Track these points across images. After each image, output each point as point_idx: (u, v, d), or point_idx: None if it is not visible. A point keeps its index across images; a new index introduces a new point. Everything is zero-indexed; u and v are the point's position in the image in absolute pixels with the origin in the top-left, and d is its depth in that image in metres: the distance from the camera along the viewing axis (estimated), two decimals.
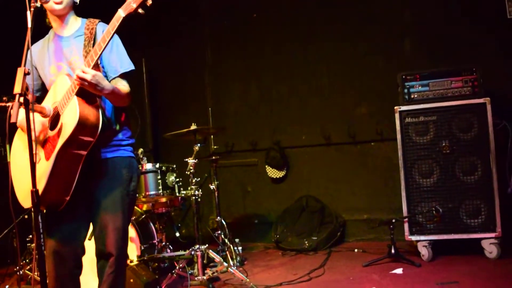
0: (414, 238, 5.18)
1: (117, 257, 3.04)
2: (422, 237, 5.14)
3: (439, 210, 5.07)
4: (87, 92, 2.80)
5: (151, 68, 7.52)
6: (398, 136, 5.25)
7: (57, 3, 3.02)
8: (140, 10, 2.64)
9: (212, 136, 6.67)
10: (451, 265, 4.88)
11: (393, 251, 5.08)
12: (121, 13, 2.66)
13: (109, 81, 3.00)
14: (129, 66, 3.10)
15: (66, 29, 3.16)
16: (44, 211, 3.02)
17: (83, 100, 2.81)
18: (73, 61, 3.07)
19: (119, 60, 3.09)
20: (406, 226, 5.19)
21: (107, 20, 2.89)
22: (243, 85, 7.40)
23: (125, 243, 3.13)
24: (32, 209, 2.54)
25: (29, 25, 2.64)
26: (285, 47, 7.07)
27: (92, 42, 3.00)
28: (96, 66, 2.80)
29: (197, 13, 7.56)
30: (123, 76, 3.09)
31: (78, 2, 3.16)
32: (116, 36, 2.94)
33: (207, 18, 7.60)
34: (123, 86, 3.01)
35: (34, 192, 2.49)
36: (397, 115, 5.24)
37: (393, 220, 5.11)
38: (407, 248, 5.56)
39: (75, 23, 3.18)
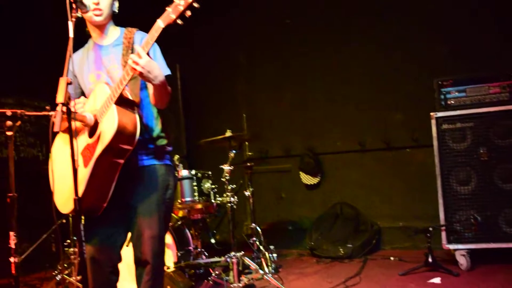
0: (451, 246, 5.10)
1: (154, 265, 3.05)
2: (460, 246, 5.06)
3: (477, 218, 5.00)
4: (125, 100, 2.84)
5: (185, 74, 7.59)
6: (435, 143, 5.18)
7: (97, 15, 3.07)
8: (179, 21, 2.65)
9: (246, 143, 6.67)
10: (490, 275, 4.79)
11: (430, 259, 5.01)
12: (160, 24, 2.68)
13: (146, 87, 3.04)
14: (165, 71, 3.12)
15: (105, 38, 3.21)
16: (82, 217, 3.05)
17: (122, 108, 2.84)
18: (111, 69, 3.11)
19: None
20: (443, 234, 5.11)
21: (145, 29, 2.92)
22: (277, 91, 7.41)
23: (161, 251, 3.14)
24: (74, 216, 2.57)
25: (71, 35, 2.67)
26: (319, 53, 7.06)
27: (130, 51, 3.03)
28: (134, 76, 2.83)
29: (230, 19, 7.59)
30: None
31: (117, 11, 3.20)
32: (155, 44, 2.97)
33: (241, 24, 7.63)
34: None
35: (77, 200, 2.51)
36: (433, 122, 5.18)
37: (430, 228, 5.04)
38: (445, 256, 5.47)
39: (114, 32, 3.22)
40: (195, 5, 2.60)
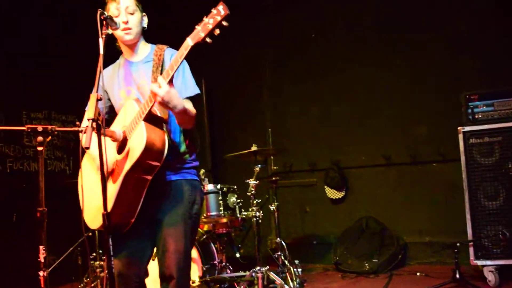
0: (479, 262, 5.03)
1: (179, 280, 3.02)
2: (488, 262, 4.98)
3: (506, 234, 4.92)
4: (154, 117, 2.86)
5: (210, 88, 7.63)
6: (462, 158, 5.13)
7: (127, 34, 3.12)
8: (208, 39, 2.67)
9: (272, 157, 6.67)
10: None
11: (457, 275, 4.95)
12: (189, 42, 2.70)
13: None
14: (194, 90, 3.14)
15: (135, 55, 3.24)
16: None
17: (150, 125, 2.86)
18: (142, 85, 3.15)
19: (185, 84, 3.13)
20: (471, 250, 5.04)
21: (175, 45, 2.95)
22: (302, 105, 7.41)
23: (187, 266, 3.12)
24: (102, 231, 2.59)
25: (101, 51, 2.71)
26: (344, 67, 7.06)
27: (160, 68, 3.06)
28: (170, 83, 2.85)
29: (256, 33, 7.63)
30: (189, 99, 3.13)
31: (146, 27, 3.24)
32: (184, 61, 3.00)
33: (267, 38, 7.66)
34: (191, 108, 3.05)
35: (106, 215, 2.53)
36: (460, 136, 5.14)
37: (458, 244, 4.97)
38: (472, 272, 5.40)
39: (145, 49, 3.26)
40: (224, 23, 2.62)
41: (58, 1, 7.02)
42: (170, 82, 2.80)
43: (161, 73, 2.96)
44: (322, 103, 7.24)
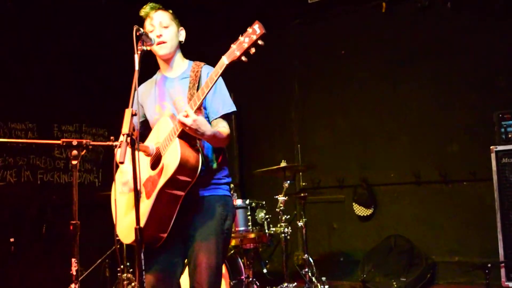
0: (511, 284, 4.94)
1: None
2: None
3: None
4: (188, 134, 2.88)
5: (238, 102, 7.60)
6: (494, 177, 5.08)
7: (161, 48, 3.16)
8: (243, 58, 2.70)
9: (300, 173, 6.65)
10: None
11: None
12: (224, 61, 2.73)
13: (210, 122, 3.08)
14: (230, 108, 3.16)
15: (172, 70, 3.28)
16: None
17: (185, 142, 2.89)
18: (177, 101, 3.17)
19: (222, 102, 3.15)
20: (503, 271, 4.98)
21: (210, 61, 2.98)
22: (331, 121, 7.39)
23: (218, 282, 3.11)
24: (135, 246, 2.61)
25: (136, 67, 2.74)
26: (374, 83, 7.04)
27: (196, 84, 3.09)
28: (198, 109, 2.88)
29: (285, 48, 7.64)
30: (224, 117, 3.15)
31: (183, 41, 3.26)
32: (220, 79, 3.02)
33: (295, 53, 7.68)
34: (223, 128, 3.06)
35: (138, 230, 2.55)
36: (493, 155, 5.09)
37: (489, 265, 4.90)
38: None
39: (182, 64, 3.29)
40: (260, 42, 2.65)
41: (93, 18, 7.13)
42: (199, 108, 2.85)
43: (197, 90, 2.98)
44: (351, 118, 7.22)
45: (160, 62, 3.29)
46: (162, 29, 3.14)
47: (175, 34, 3.20)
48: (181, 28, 3.26)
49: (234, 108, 3.18)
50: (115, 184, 3.06)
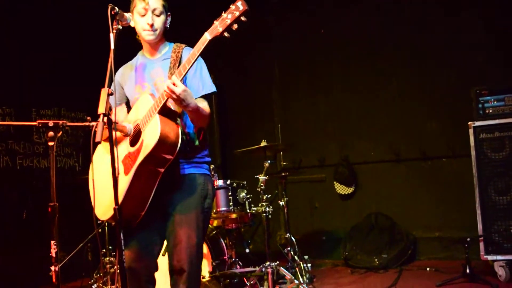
0: (490, 257, 5.01)
1: (190, 274, 3.02)
2: (499, 257, 4.97)
3: None
4: (168, 111, 2.87)
5: (219, 84, 7.56)
6: (473, 153, 5.11)
7: (150, 35, 3.14)
8: (226, 34, 2.70)
9: (281, 152, 6.66)
10: None
11: (468, 270, 4.93)
12: (207, 36, 2.72)
13: None
14: (211, 88, 3.15)
15: (154, 52, 3.27)
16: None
17: (165, 118, 2.88)
18: (158, 82, 3.17)
19: (202, 82, 3.15)
20: (481, 245, 5.03)
21: (193, 43, 2.97)
22: (311, 101, 7.41)
23: (198, 260, 3.11)
24: (113, 225, 2.60)
25: (112, 46, 2.71)
26: (353, 62, 7.05)
27: (177, 65, 3.08)
28: None
29: (265, 30, 7.61)
30: (205, 97, 3.15)
31: (168, 27, 3.24)
32: (200, 59, 3.01)
33: (275, 35, 7.66)
34: (204, 107, 3.06)
35: (117, 209, 2.54)
36: (471, 131, 5.12)
37: (468, 239, 4.96)
38: (483, 268, 5.38)
39: (163, 46, 3.28)
40: (243, 19, 2.65)
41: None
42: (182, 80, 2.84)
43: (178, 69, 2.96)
44: (331, 98, 7.24)
45: (144, 44, 3.26)
46: (154, 17, 3.11)
47: (164, 21, 3.19)
48: (169, 14, 3.24)
49: (214, 89, 3.18)
50: (92, 165, 3.04)
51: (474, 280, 4.93)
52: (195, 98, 3.07)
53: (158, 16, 3.13)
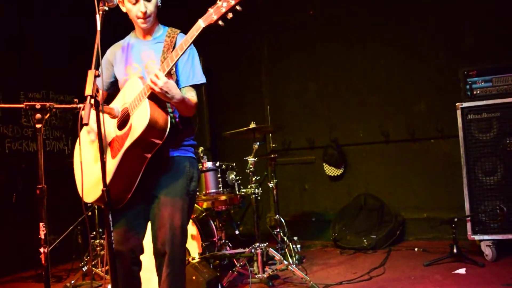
0: (477, 237, 5.07)
1: (174, 256, 3.04)
2: (486, 237, 5.03)
3: (504, 209, 4.95)
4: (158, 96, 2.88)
5: (208, 66, 7.59)
6: (460, 134, 5.14)
7: (144, 23, 3.14)
8: (220, 22, 2.70)
9: (270, 134, 6.67)
10: None
11: (455, 250, 5.00)
12: (201, 24, 2.72)
13: (180, 89, 3.06)
14: (200, 79, 3.15)
15: (147, 34, 3.26)
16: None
17: (154, 103, 2.88)
18: (149, 64, 3.16)
19: (193, 71, 3.15)
20: (468, 225, 5.08)
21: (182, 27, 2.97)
22: (300, 83, 7.40)
23: (182, 243, 3.12)
24: (102, 208, 2.61)
25: (98, 28, 2.70)
26: (343, 44, 7.05)
27: (171, 49, 3.06)
28: (169, 74, 2.88)
29: (254, 11, 7.57)
30: (194, 87, 3.15)
31: (160, 5, 3.21)
32: (193, 47, 3.01)
33: (264, 16, 7.63)
34: (192, 97, 3.07)
35: (106, 191, 2.54)
36: (459, 112, 5.14)
37: (455, 219, 5.01)
38: (470, 247, 5.45)
39: (157, 29, 3.26)
40: (238, 8, 2.65)
41: None
42: (169, 73, 2.87)
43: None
44: (320, 80, 7.24)
45: (137, 26, 3.24)
46: (146, 3, 3.09)
47: (156, 3, 3.16)
48: None
49: (204, 80, 3.18)
50: (80, 146, 3.03)
51: (461, 259, 4.99)
52: (184, 87, 3.08)
53: (149, 1, 3.11)
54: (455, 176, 5.58)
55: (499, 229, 4.99)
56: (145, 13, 3.08)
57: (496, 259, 4.97)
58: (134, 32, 3.32)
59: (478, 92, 5.18)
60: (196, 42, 2.84)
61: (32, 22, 6.71)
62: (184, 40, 2.78)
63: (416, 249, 5.88)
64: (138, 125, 2.83)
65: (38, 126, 2.72)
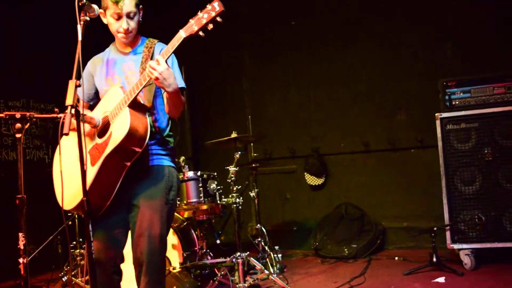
0: (456, 246, 5.12)
1: (153, 265, 3.04)
2: (465, 246, 5.08)
3: (482, 218, 5.01)
4: (138, 104, 2.90)
5: (190, 75, 7.61)
6: (439, 143, 5.20)
7: (125, 38, 3.17)
8: (200, 33, 2.75)
9: (252, 144, 6.69)
10: (495, 274, 4.81)
11: (434, 259, 5.03)
12: (182, 34, 2.76)
13: (162, 95, 3.11)
14: (180, 83, 3.17)
15: (126, 46, 3.28)
16: (83, 216, 3.05)
17: (134, 111, 2.90)
18: (129, 75, 3.19)
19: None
20: (448, 234, 5.13)
21: (163, 38, 2.99)
22: (282, 92, 7.43)
23: (162, 252, 3.12)
24: (82, 217, 2.60)
25: (79, 38, 2.72)
26: (324, 54, 7.08)
27: (149, 59, 3.10)
28: (150, 83, 2.90)
29: (236, 20, 7.59)
30: None
31: (141, 20, 3.23)
32: (173, 55, 3.02)
33: (246, 25, 7.65)
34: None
35: (86, 201, 2.54)
36: (438, 122, 5.20)
37: (435, 228, 5.05)
38: (449, 256, 5.50)
39: (136, 40, 3.29)
40: (218, 19, 2.70)
41: None
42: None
43: None
44: (302, 90, 7.27)
45: (117, 39, 3.26)
46: (128, 21, 3.11)
47: (138, 20, 3.19)
48: (141, 7, 3.21)
49: (183, 85, 3.20)
50: (60, 155, 3.02)
51: (440, 268, 5.03)
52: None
53: (132, 18, 3.13)
54: (434, 186, 5.62)
55: (477, 238, 5.04)
56: (127, 29, 3.11)
57: (475, 267, 5.01)
58: (114, 44, 3.34)
59: (457, 102, 5.24)
60: (177, 51, 2.86)
61: (12, 30, 6.67)
62: (165, 50, 2.82)
63: (396, 258, 5.91)
64: (118, 133, 2.83)
65: (18, 135, 2.72)
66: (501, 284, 4.45)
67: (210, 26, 2.72)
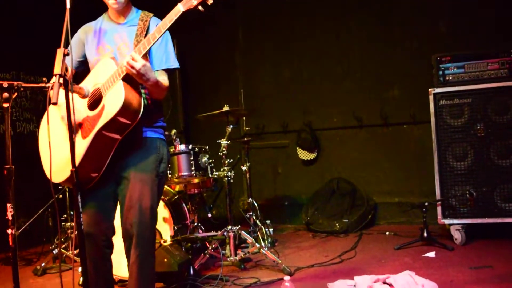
0: (447, 221, 5.14)
1: (144, 238, 3.02)
2: (455, 221, 5.09)
3: (473, 194, 5.02)
4: (132, 77, 2.85)
5: (182, 49, 7.52)
6: (432, 119, 5.18)
7: (115, 4, 3.11)
8: (200, 8, 2.68)
9: (244, 118, 6.66)
10: (484, 249, 4.84)
11: (425, 234, 5.05)
12: (180, 8, 2.70)
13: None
14: (173, 63, 3.15)
15: (120, 17, 3.23)
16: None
17: (128, 85, 2.87)
18: (121, 46, 3.14)
19: (166, 55, 3.14)
20: (439, 209, 5.14)
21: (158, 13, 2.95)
22: (275, 67, 7.38)
23: (152, 224, 3.10)
24: (71, 189, 2.58)
25: (67, 6, 2.66)
26: (317, 28, 7.03)
27: (144, 33, 3.06)
28: (145, 56, 2.86)
29: None
30: (166, 71, 3.15)
31: None
32: (167, 32, 2.97)
33: (239, 0, 7.57)
34: (163, 80, 3.07)
35: (75, 172, 2.50)
36: (431, 97, 5.18)
37: (426, 204, 5.06)
38: (440, 231, 5.53)
39: (130, 12, 3.24)
40: None
41: None
42: (145, 55, 2.84)
43: (145, 37, 2.91)
44: (294, 64, 7.23)
45: (110, 8, 3.21)
46: None
47: None
48: None
49: (177, 65, 3.18)
50: (44, 125, 2.98)
51: (431, 243, 5.06)
52: (157, 70, 3.06)
53: None
54: (426, 161, 5.62)
55: (468, 214, 5.06)
56: None
57: (465, 243, 5.04)
58: (107, 13, 3.28)
59: (451, 78, 5.21)
60: (170, 26, 2.81)
61: (2, 2, 6.56)
62: (162, 23, 2.76)
63: (387, 233, 5.93)
64: (111, 106, 2.80)
65: (5, 105, 2.67)
66: (490, 259, 4.46)
67: (210, 1, 2.68)
